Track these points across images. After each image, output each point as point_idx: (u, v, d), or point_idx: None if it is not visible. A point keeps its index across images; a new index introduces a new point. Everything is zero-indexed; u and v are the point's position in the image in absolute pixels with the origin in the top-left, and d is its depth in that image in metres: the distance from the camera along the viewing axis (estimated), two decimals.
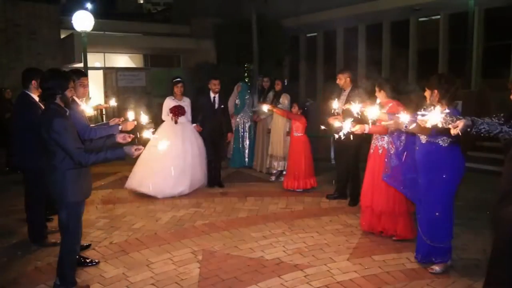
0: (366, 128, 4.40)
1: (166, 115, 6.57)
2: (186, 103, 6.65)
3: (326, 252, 4.28)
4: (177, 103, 6.53)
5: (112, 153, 3.26)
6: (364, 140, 5.62)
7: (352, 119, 4.08)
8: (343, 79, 5.84)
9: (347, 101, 5.54)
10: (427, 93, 3.70)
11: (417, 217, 3.94)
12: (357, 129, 4.38)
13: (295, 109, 6.61)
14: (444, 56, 12.61)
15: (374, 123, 4.13)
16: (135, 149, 3.26)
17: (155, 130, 4.10)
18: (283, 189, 6.68)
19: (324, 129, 4.90)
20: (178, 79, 6.66)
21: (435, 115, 2.74)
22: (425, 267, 3.87)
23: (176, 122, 6.46)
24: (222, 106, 6.97)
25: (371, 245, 4.46)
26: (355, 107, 3.91)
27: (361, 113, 3.96)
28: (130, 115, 4.03)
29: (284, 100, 7.26)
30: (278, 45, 14.03)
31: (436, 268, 3.81)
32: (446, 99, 3.57)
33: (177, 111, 6.44)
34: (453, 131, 2.69)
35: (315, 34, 16.31)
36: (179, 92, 6.60)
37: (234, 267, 3.97)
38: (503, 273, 2.91)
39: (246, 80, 12.75)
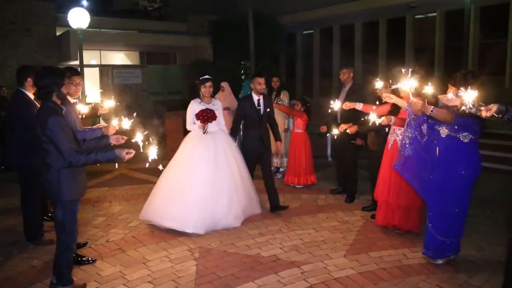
0: (392, 119, 4.43)
1: (191, 123, 5.18)
2: (216, 106, 5.24)
3: (322, 249, 4.29)
4: (204, 107, 5.13)
5: (102, 155, 3.25)
6: (359, 136, 5.63)
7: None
8: (346, 74, 5.83)
9: (347, 97, 5.55)
10: (453, 90, 3.65)
11: (427, 215, 3.94)
12: (384, 119, 4.42)
13: (298, 106, 6.61)
14: (440, 53, 12.65)
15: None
16: (126, 153, 3.26)
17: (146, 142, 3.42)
18: (282, 184, 6.68)
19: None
20: (207, 77, 5.16)
21: (470, 94, 2.97)
22: (426, 262, 3.92)
23: (205, 131, 5.10)
24: (268, 110, 5.57)
25: (367, 241, 4.48)
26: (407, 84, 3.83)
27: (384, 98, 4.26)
28: (114, 121, 3.97)
29: (284, 97, 7.28)
30: (275, 42, 14.00)
31: (439, 260, 3.87)
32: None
33: (205, 116, 5.05)
34: (484, 113, 2.87)
35: (311, 31, 16.32)
36: (207, 93, 5.14)
37: (231, 264, 3.97)
38: None
39: (243, 77, 12.74)
